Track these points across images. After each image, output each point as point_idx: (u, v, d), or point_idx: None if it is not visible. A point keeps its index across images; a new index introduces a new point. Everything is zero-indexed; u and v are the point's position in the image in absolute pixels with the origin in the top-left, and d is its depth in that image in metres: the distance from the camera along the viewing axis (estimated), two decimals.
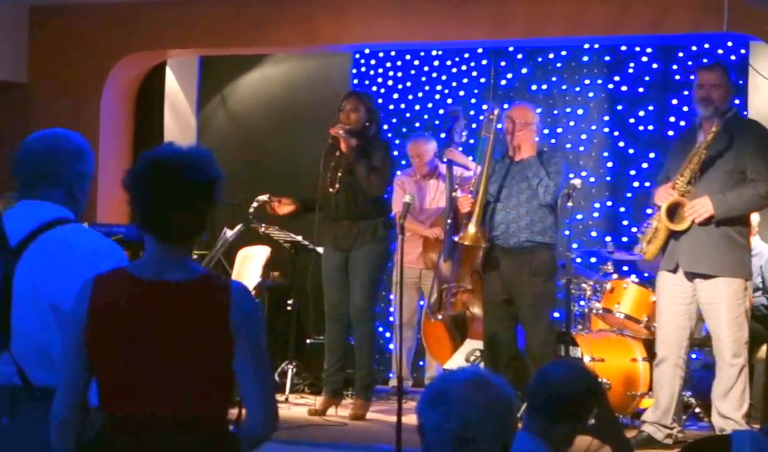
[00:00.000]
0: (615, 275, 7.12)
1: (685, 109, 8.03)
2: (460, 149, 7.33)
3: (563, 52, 8.50)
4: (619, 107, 8.39)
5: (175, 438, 2.70)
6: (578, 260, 7.40)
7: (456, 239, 6.60)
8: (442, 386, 2.61)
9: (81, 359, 2.73)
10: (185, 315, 2.71)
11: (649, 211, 6.99)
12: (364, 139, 6.81)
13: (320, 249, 7.16)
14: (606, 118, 8.42)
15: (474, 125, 7.89)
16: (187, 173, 2.69)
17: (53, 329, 2.99)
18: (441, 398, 2.58)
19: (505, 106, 7.81)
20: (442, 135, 8.33)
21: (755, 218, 7.35)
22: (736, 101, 7.96)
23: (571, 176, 6.80)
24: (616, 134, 8.39)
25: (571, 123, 8.47)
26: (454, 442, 2.53)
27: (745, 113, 7.90)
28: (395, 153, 8.83)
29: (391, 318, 8.52)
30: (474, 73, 8.76)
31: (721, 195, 5.84)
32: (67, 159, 3.13)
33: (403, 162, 8.87)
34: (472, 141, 7.44)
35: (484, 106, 7.06)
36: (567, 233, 6.70)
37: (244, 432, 2.80)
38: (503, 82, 8.64)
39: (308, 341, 8.16)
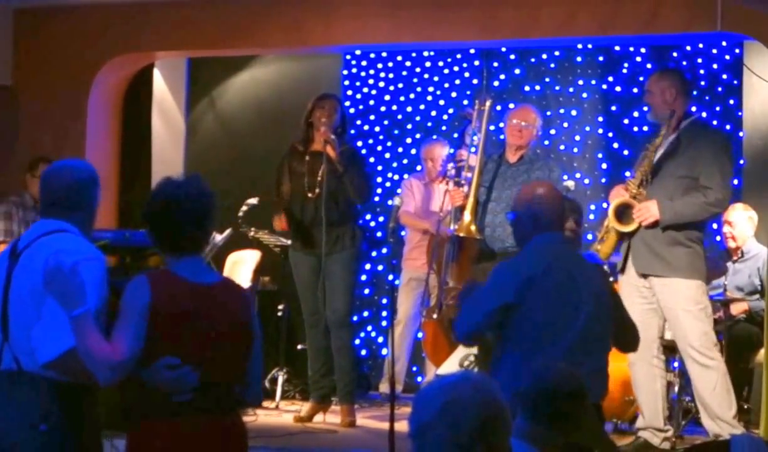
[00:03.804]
0: (610, 279, 7.02)
1: None
2: (473, 149, 7.20)
3: (556, 53, 8.44)
4: (613, 108, 8.33)
5: None
6: None
7: (452, 231, 6.54)
8: (432, 390, 2.56)
9: (140, 341, 3.34)
10: (224, 310, 3.46)
11: (604, 205, 7.00)
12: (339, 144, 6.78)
13: None
14: (600, 119, 8.36)
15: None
16: (207, 201, 3.49)
17: (34, 318, 3.49)
18: (431, 403, 2.53)
19: (498, 107, 7.74)
20: (434, 137, 8.25)
21: (755, 218, 7.28)
22: (731, 101, 7.93)
23: (565, 177, 6.73)
24: (610, 135, 8.34)
25: (565, 124, 8.41)
26: (445, 447, 2.49)
27: (739, 113, 7.85)
28: (387, 156, 8.81)
29: (384, 323, 8.44)
30: (466, 75, 8.69)
31: (669, 201, 5.88)
32: (85, 188, 3.69)
33: (394, 164, 8.81)
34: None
35: (476, 101, 6.96)
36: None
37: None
38: (496, 83, 8.57)
39: (299, 347, 8.05)
